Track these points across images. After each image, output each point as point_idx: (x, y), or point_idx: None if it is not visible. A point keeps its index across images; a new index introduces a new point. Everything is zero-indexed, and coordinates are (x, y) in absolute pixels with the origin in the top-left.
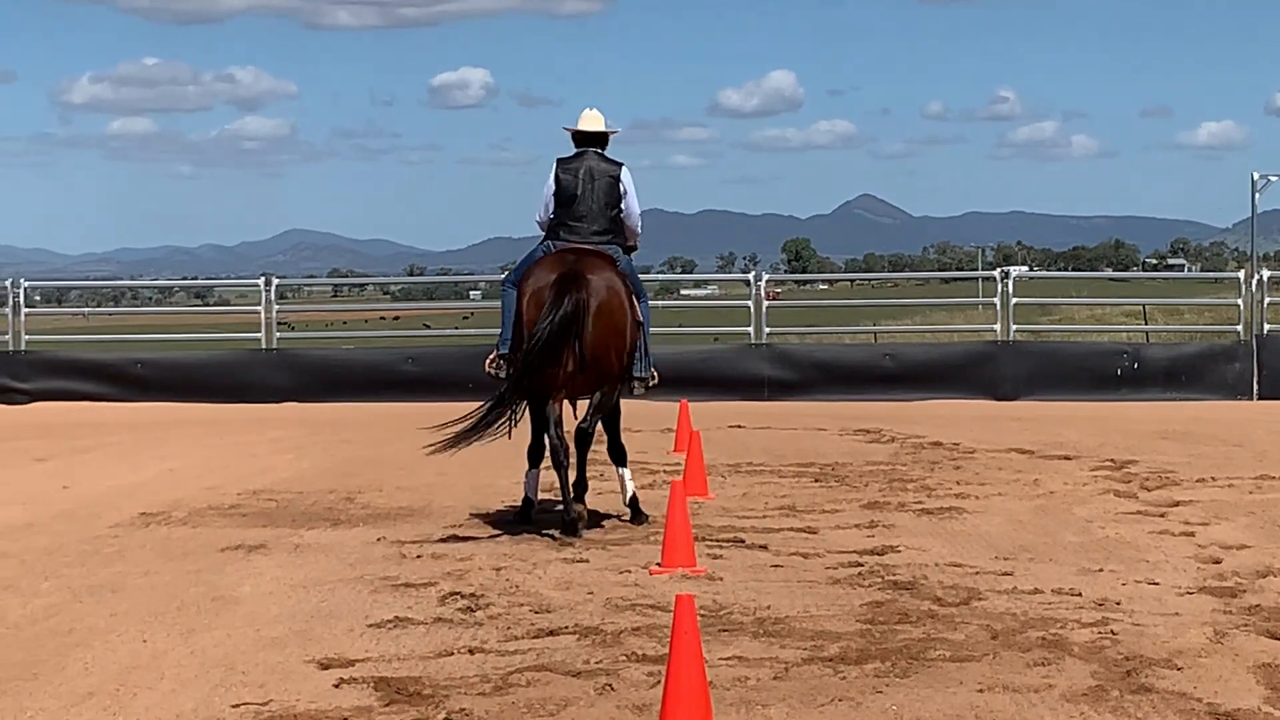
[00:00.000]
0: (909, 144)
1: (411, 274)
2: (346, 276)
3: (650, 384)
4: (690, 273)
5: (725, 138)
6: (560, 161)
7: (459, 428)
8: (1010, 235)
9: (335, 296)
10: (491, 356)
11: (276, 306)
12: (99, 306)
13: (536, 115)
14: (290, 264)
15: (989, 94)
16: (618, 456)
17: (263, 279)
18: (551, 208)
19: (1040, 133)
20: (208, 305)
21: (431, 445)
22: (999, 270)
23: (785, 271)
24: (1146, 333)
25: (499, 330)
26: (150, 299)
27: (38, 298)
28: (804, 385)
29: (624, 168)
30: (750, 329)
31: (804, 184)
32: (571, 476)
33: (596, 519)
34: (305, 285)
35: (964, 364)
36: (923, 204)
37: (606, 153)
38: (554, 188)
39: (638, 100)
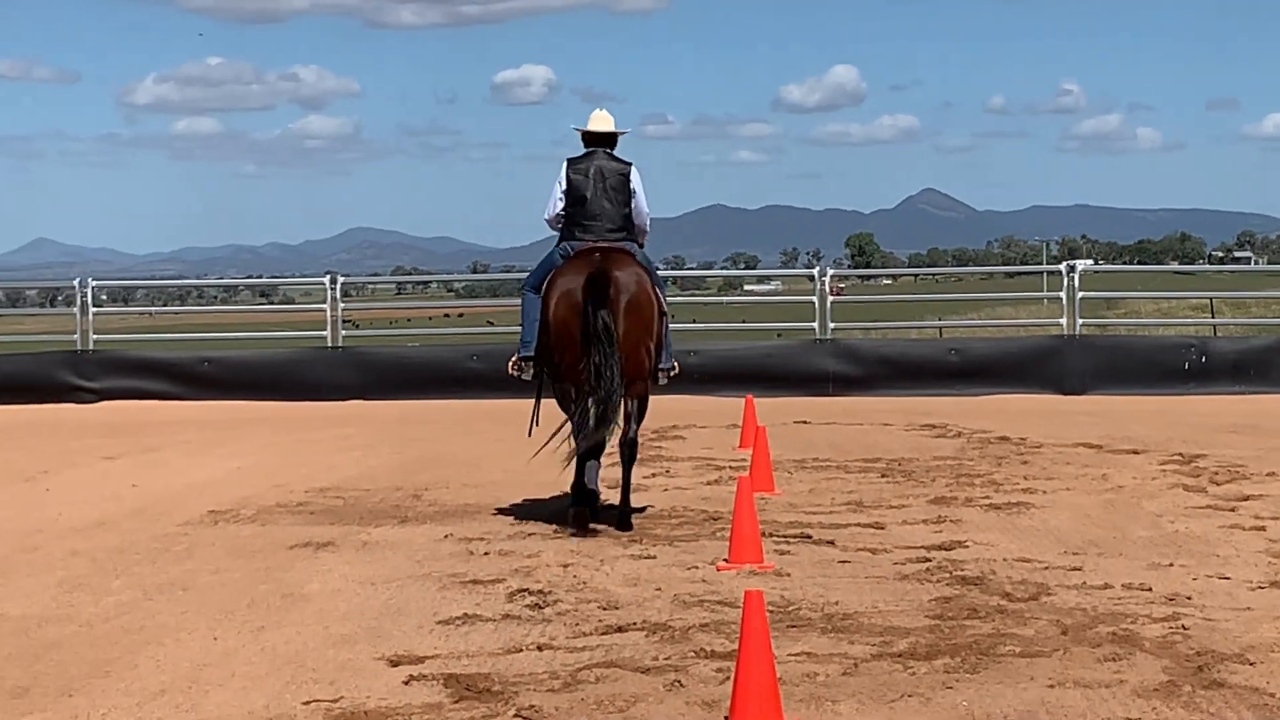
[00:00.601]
0: (972, 137)
1: (475, 271)
2: (411, 274)
3: (671, 374)
4: (753, 269)
5: (788, 133)
6: (570, 162)
7: (572, 442)
8: (1075, 229)
9: (399, 294)
10: (514, 359)
11: (342, 304)
12: (165, 305)
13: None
14: (355, 262)
15: (1053, 87)
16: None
17: (327, 277)
18: (561, 207)
19: (1105, 125)
20: (273, 304)
21: (561, 461)
22: (1064, 264)
23: (849, 267)
24: (1214, 326)
25: (521, 333)
26: (215, 297)
27: (104, 297)
28: (869, 380)
29: (633, 167)
30: (815, 324)
31: (867, 179)
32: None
33: (639, 513)
34: (370, 283)
35: (1030, 358)
36: (986, 198)
37: (615, 153)
38: (565, 187)
39: (700, 96)
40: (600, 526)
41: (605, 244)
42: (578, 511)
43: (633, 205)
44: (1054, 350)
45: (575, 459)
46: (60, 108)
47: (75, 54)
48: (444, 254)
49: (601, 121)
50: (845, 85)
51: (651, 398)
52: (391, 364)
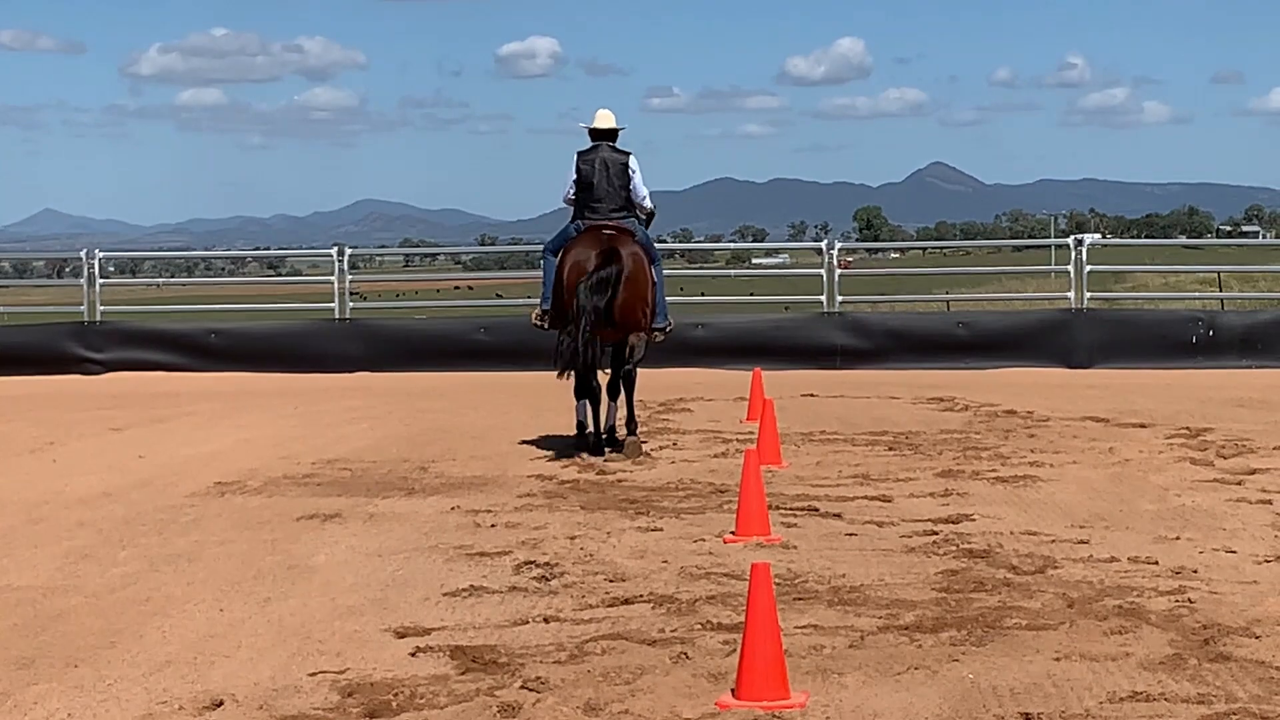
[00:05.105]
0: (979, 111)
1: (483, 244)
2: (418, 246)
3: (667, 330)
4: (761, 241)
5: (795, 106)
6: (580, 154)
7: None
8: (1083, 203)
9: (407, 266)
10: (536, 312)
11: (349, 276)
12: (173, 277)
13: (605, 84)
14: (362, 234)
15: (1058, 60)
16: (630, 384)
17: (335, 249)
18: (574, 191)
19: (1111, 99)
20: (280, 275)
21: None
22: (1072, 238)
23: (857, 240)
24: (1221, 300)
25: (542, 290)
26: (223, 269)
27: (112, 269)
28: (877, 354)
29: (631, 155)
30: (823, 297)
31: (875, 152)
32: (621, 414)
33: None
34: (377, 255)
35: (1037, 332)
36: (994, 171)
37: (617, 144)
38: (575, 176)
39: (706, 68)
40: (604, 496)
41: (611, 223)
42: (590, 450)
43: (632, 186)
44: (1061, 324)
45: (576, 407)
46: (64, 78)
47: (79, 24)
48: (451, 226)
49: (604, 120)
50: (851, 58)
51: (660, 371)
52: (399, 336)
